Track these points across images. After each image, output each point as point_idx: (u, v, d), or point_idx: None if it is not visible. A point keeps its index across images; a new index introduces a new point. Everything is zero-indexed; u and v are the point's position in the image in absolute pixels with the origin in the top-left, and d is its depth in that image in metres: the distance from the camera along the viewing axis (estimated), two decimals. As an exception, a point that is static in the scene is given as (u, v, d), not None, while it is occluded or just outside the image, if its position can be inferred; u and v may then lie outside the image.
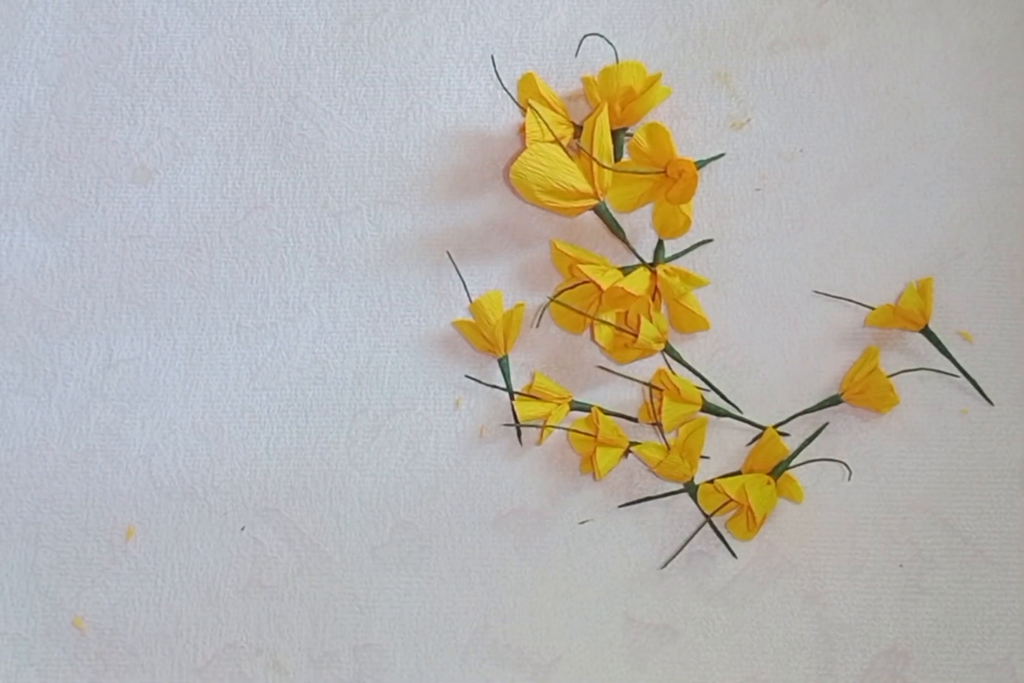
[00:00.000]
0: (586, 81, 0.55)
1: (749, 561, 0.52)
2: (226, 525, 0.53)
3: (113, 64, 0.57)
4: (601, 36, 0.56)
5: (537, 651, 0.51)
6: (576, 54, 0.57)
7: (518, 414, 0.52)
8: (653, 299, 0.53)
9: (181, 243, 0.55)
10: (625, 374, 0.53)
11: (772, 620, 0.51)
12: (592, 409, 0.52)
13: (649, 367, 0.53)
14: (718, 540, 0.52)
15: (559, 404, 0.52)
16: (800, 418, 0.53)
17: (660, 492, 0.52)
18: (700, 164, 0.54)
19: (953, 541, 0.52)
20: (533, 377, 0.53)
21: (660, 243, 0.54)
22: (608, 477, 0.52)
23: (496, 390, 0.53)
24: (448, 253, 0.55)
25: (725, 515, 0.52)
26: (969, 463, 0.52)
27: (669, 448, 0.51)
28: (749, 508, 0.50)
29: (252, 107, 0.57)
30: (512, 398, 0.53)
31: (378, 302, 0.55)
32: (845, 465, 0.52)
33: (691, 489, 0.52)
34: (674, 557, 0.52)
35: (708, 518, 0.52)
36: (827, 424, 0.53)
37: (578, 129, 0.55)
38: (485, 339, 0.53)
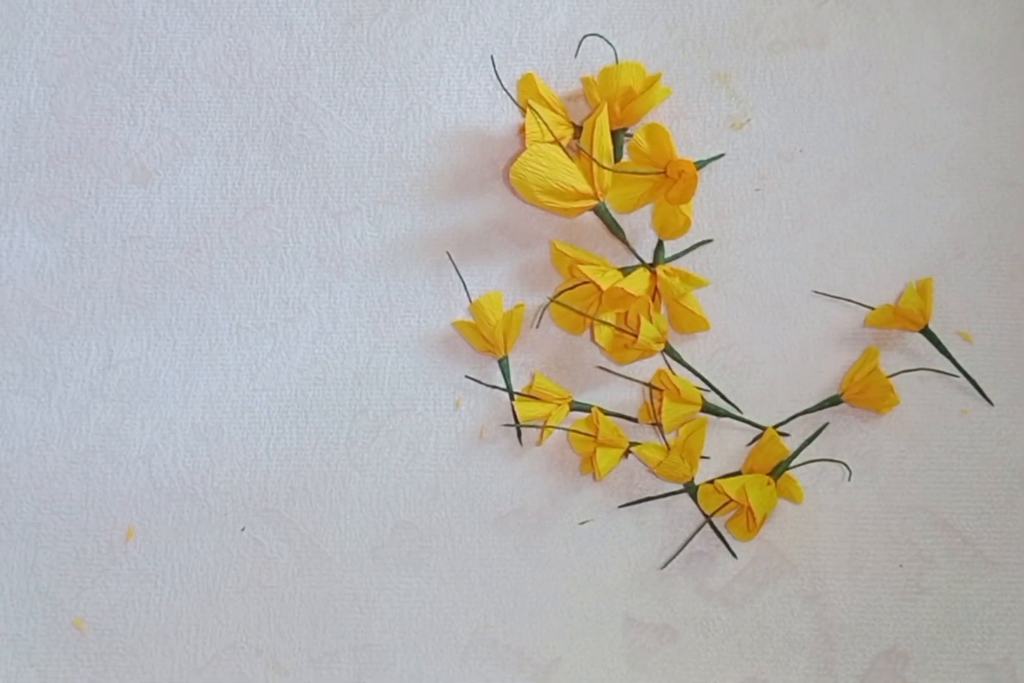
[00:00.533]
0: (586, 81, 0.55)
1: (749, 561, 0.52)
2: (226, 525, 0.53)
3: (113, 64, 0.57)
4: (601, 36, 0.56)
5: (537, 651, 0.51)
6: (576, 54, 0.57)
7: (518, 414, 0.52)
8: (653, 299, 0.53)
9: (181, 243, 0.55)
10: (625, 374, 0.53)
11: (772, 620, 0.51)
12: (592, 409, 0.52)
13: (649, 367, 0.53)
14: (718, 540, 0.52)
15: (559, 404, 0.52)
16: (800, 418, 0.53)
17: (660, 492, 0.52)
18: (700, 164, 0.54)
19: (953, 541, 0.52)
20: (533, 377, 0.53)
21: (660, 243, 0.54)
22: (608, 477, 0.53)
23: (496, 390, 0.53)
24: (448, 253, 0.55)
25: (725, 515, 0.52)
26: (969, 463, 0.52)
27: (669, 448, 0.51)
28: (749, 508, 0.50)
29: (252, 107, 0.57)
30: (512, 398, 0.53)
31: (378, 302, 0.55)
32: (845, 465, 0.52)
33: (691, 489, 0.52)
34: (674, 557, 0.52)
35: (708, 518, 0.52)
36: (827, 424, 0.53)
37: (578, 129, 0.55)
38: (485, 339, 0.53)
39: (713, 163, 0.56)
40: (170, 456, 0.53)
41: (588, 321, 0.53)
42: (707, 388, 0.53)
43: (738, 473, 0.52)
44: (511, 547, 0.52)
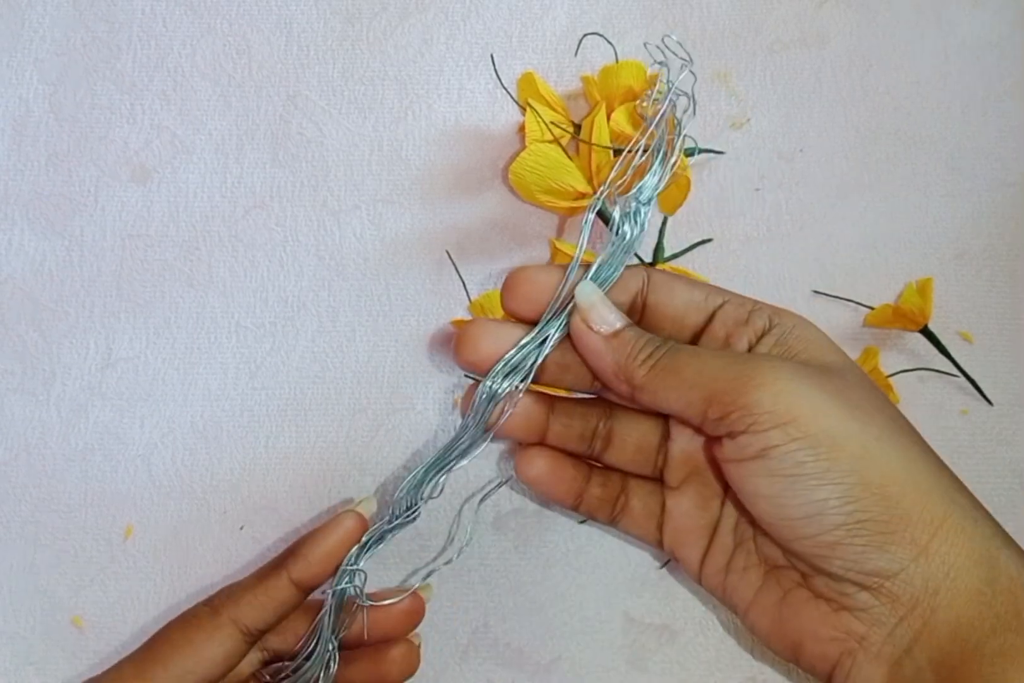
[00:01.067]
0: (585, 80, 0.55)
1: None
2: (225, 524, 0.52)
3: (112, 63, 0.57)
4: (601, 35, 0.56)
5: (537, 650, 0.51)
6: (576, 53, 0.57)
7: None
8: (653, 299, 0.53)
9: (180, 242, 0.55)
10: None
11: (771, 620, 0.51)
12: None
13: (649, 367, 0.53)
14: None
15: (558, 404, 0.52)
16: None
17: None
18: (697, 152, 0.54)
19: (952, 541, 0.52)
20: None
21: (660, 243, 0.54)
22: (607, 477, 0.52)
23: (495, 389, 0.53)
24: (448, 252, 0.55)
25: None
26: (969, 463, 0.52)
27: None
28: None
29: (251, 106, 0.57)
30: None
31: (377, 301, 0.55)
32: (845, 465, 0.52)
33: None
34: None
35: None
36: None
37: (577, 128, 0.55)
38: (484, 338, 0.53)
39: (713, 163, 0.56)
40: (169, 454, 0.53)
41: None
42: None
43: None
44: (511, 547, 0.52)
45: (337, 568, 0.45)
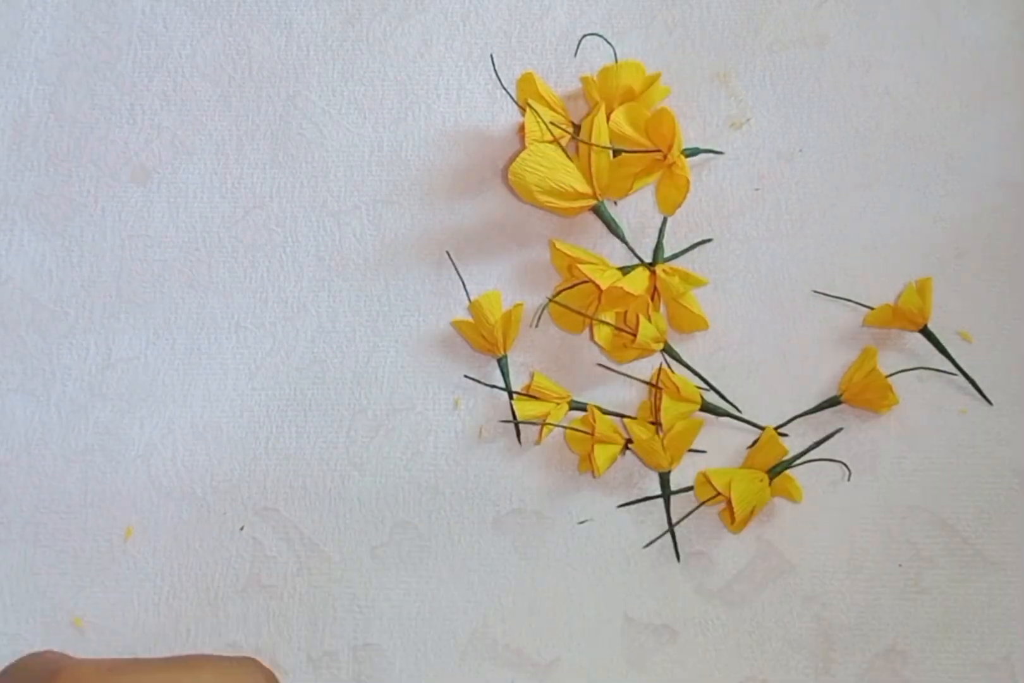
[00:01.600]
0: (585, 81, 0.55)
1: (748, 561, 0.52)
2: (225, 525, 0.53)
3: (112, 63, 0.57)
4: (600, 36, 0.56)
5: (536, 651, 0.51)
6: (575, 54, 0.57)
7: (517, 414, 0.52)
8: (652, 299, 0.53)
9: (180, 243, 0.55)
10: (625, 372, 0.53)
11: (772, 620, 0.51)
12: (588, 407, 0.52)
13: (648, 367, 0.53)
14: (718, 540, 0.52)
15: (558, 404, 0.52)
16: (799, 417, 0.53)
17: (660, 491, 0.52)
18: (696, 152, 0.54)
19: (953, 541, 0.52)
20: (532, 377, 0.53)
21: (659, 243, 0.54)
22: (607, 477, 0.52)
23: (495, 390, 0.53)
24: (447, 253, 0.55)
25: (717, 506, 0.52)
26: (969, 463, 0.52)
27: (664, 444, 0.51)
28: (729, 501, 0.50)
29: (251, 106, 0.57)
30: (511, 398, 0.53)
31: (377, 302, 0.55)
32: (845, 465, 0.52)
33: (665, 480, 0.52)
34: (658, 538, 0.52)
35: (680, 516, 0.52)
36: (840, 430, 0.52)
37: (577, 129, 0.55)
38: (484, 339, 0.53)
39: (713, 163, 0.56)
40: (169, 455, 0.53)
41: (587, 321, 0.53)
42: (706, 387, 0.53)
43: (737, 473, 0.52)
44: (510, 546, 0.52)
45: None
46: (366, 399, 0.54)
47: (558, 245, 0.53)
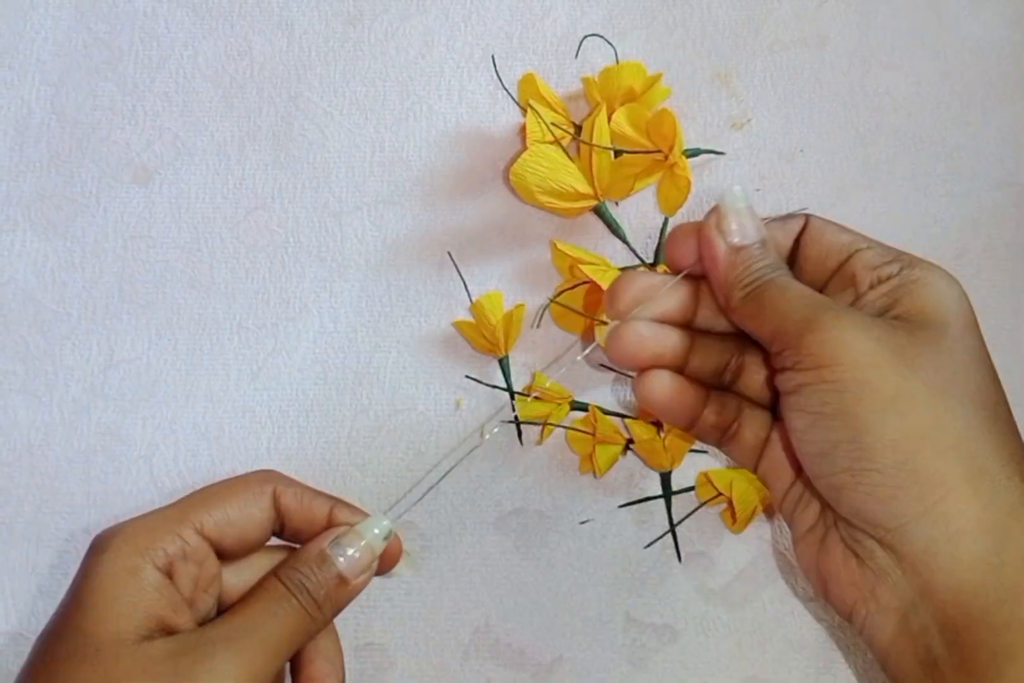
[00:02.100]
0: (586, 81, 0.55)
1: (749, 561, 0.52)
2: (227, 525, 0.53)
3: (114, 64, 0.58)
4: (601, 37, 0.56)
5: (538, 650, 0.51)
6: (576, 55, 0.57)
7: (518, 414, 0.52)
8: (653, 299, 0.53)
9: (182, 243, 0.56)
10: (626, 373, 0.53)
11: (772, 620, 0.51)
12: (589, 407, 0.52)
13: (649, 367, 0.53)
14: (719, 540, 0.52)
15: (559, 404, 0.52)
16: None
17: (661, 492, 0.52)
18: (697, 153, 0.54)
19: (953, 541, 0.52)
20: (533, 377, 0.53)
21: (660, 243, 0.54)
22: (609, 477, 0.53)
23: (496, 390, 0.54)
24: (449, 253, 0.55)
25: (718, 506, 0.52)
26: (969, 463, 0.52)
27: (665, 445, 0.51)
28: (731, 501, 0.50)
29: (253, 107, 0.57)
30: (512, 398, 0.53)
31: (379, 302, 0.55)
32: (845, 465, 0.52)
33: (666, 480, 0.52)
34: (659, 538, 0.52)
35: (681, 516, 0.52)
36: None
37: (578, 129, 0.55)
38: (485, 339, 0.53)
39: (713, 163, 0.56)
40: (171, 455, 0.53)
41: (588, 321, 0.53)
42: (707, 388, 0.53)
43: (738, 472, 0.53)
44: (512, 546, 0.52)
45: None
46: (368, 399, 0.54)
47: (559, 245, 0.53)
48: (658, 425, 0.52)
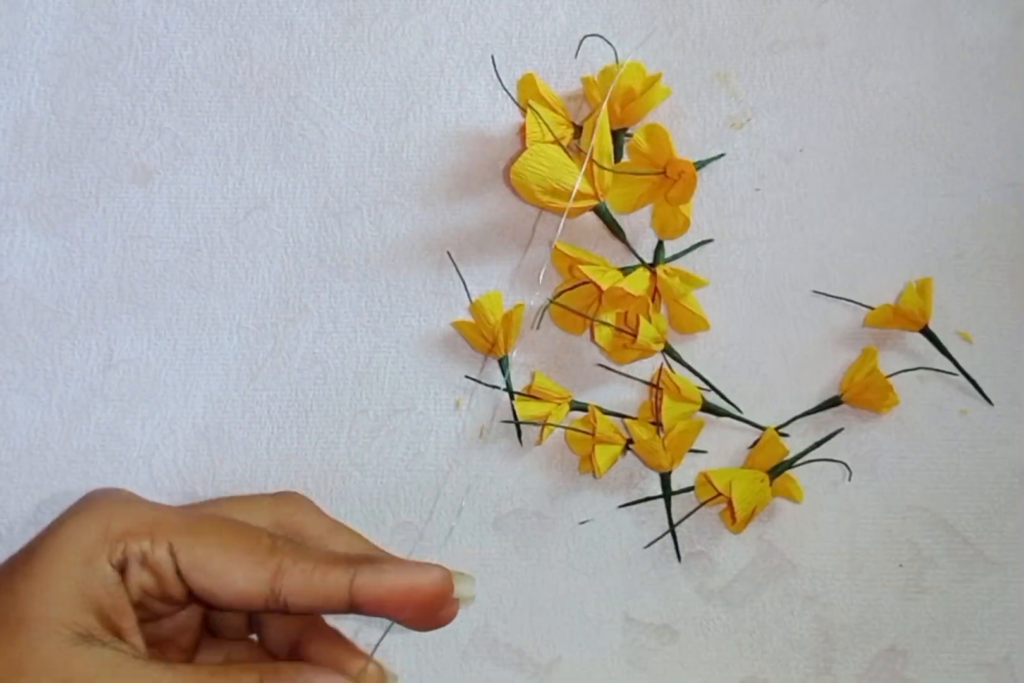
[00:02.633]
0: (586, 81, 0.55)
1: (749, 561, 0.52)
2: (227, 525, 0.53)
3: (113, 64, 0.58)
4: (601, 37, 0.56)
5: (537, 650, 0.51)
6: (576, 55, 0.57)
7: (518, 414, 0.52)
8: (653, 299, 0.53)
9: (181, 243, 0.56)
10: (626, 373, 0.53)
11: (772, 620, 0.51)
12: (589, 407, 0.52)
13: (648, 368, 0.53)
14: (719, 540, 0.52)
15: (559, 404, 0.52)
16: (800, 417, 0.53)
17: (661, 492, 0.52)
18: (700, 165, 0.54)
19: (953, 541, 0.52)
20: (533, 377, 0.53)
21: (660, 243, 0.54)
22: (608, 477, 0.53)
23: (496, 390, 0.54)
24: (448, 253, 0.55)
25: (717, 506, 0.52)
26: (969, 463, 0.52)
27: (665, 445, 0.51)
28: (730, 501, 0.50)
29: (252, 107, 0.57)
30: (512, 398, 0.53)
31: (378, 302, 0.55)
32: (845, 465, 0.52)
33: (666, 480, 0.52)
34: (659, 538, 0.52)
35: (682, 515, 0.52)
36: (840, 430, 0.53)
37: (578, 129, 0.55)
38: (485, 339, 0.53)
39: (713, 163, 0.56)
40: (171, 456, 0.53)
41: (588, 321, 0.53)
42: (707, 388, 0.53)
43: (738, 473, 0.52)
44: (511, 547, 0.52)
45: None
46: (367, 399, 0.54)
47: (559, 246, 0.53)
48: (657, 425, 0.52)
